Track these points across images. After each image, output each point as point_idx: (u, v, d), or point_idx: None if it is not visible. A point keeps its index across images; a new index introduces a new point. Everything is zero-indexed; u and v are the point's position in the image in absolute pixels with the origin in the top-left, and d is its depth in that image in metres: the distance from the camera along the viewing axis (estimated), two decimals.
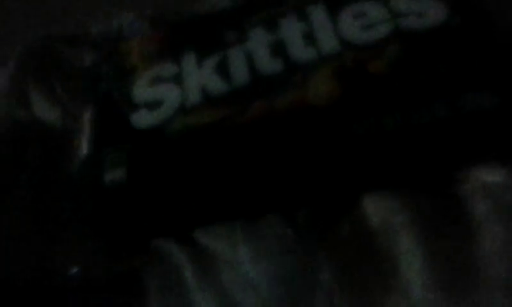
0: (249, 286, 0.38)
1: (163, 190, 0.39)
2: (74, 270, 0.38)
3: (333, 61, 0.40)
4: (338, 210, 0.39)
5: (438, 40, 0.39)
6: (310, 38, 0.41)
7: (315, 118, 0.38)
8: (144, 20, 0.51)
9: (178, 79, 0.42)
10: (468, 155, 0.38)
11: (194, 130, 0.39)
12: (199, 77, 0.42)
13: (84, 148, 0.44)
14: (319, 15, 0.42)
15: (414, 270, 0.35)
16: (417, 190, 0.38)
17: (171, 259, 0.40)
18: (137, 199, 0.40)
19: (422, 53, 0.39)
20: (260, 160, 0.38)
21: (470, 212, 0.36)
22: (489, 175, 0.37)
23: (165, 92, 0.42)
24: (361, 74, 0.38)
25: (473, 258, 0.35)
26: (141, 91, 0.43)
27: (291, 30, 0.42)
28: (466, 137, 0.37)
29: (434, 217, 0.37)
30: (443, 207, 0.37)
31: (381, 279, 0.36)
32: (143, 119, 0.41)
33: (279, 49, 0.41)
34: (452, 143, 0.37)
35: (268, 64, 0.41)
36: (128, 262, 0.40)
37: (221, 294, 0.38)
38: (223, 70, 0.41)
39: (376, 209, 0.38)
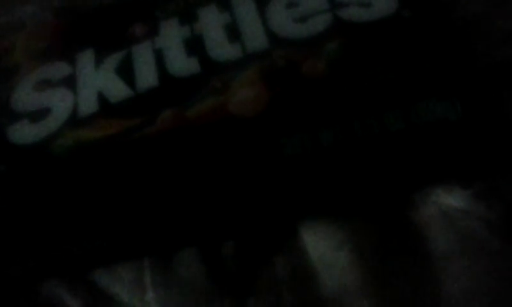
0: None
1: (46, 221, 0.31)
2: None
3: (260, 61, 0.32)
4: (271, 243, 0.32)
5: (385, 36, 0.32)
6: (233, 32, 0.34)
7: (237, 130, 0.30)
8: (49, 11, 0.43)
9: (70, 82, 0.34)
10: (424, 175, 0.31)
11: (86, 146, 0.31)
12: (97, 79, 0.34)
13: None
14: (244, 4, 0.35)
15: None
16: (365, 218, 0.32)
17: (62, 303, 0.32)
18: (14, 233, 0.31)
19: (366, 51, 0.32)
20: (171, 182, 0.31)
21: (429, 244, 0.30)
22: (450, 199, 0.31)
23: (53, 98, 0.34)
24: (294, 76, 0.31)
25: (436, 303, 0.29)
26: (24, 96, 0.34)
27: (211, 23, 0.35)
28: (421, 153, 0.31)
29: (386, 250, 0.31)
30: (397, 238, 0.31)
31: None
32: (23, 132, 0.33)
33: (195, 46, 0.34)
34: (404, 161, 0.30)
35: (182, 64, 0.33)
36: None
37: None
38: (126, 70, 0.34)
39: (316, 241, 0.32)
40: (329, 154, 0.29)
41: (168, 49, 0.34)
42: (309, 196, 0.31)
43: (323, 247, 0.32)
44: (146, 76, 0.33)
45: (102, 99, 0.33)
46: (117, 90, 0.33)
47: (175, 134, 0.31)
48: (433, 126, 0.29)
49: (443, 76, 0.30)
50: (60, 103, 0.33)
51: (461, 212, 0.31)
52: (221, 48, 0.34)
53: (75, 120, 0.33)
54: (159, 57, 0.34)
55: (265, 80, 0.31)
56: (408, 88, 0.30)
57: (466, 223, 0.30)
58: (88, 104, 0.33)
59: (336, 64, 0.32)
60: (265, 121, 0.30)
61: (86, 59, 0.35)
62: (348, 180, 0.31)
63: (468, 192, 0.31)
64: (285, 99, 0.30)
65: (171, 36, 0.35)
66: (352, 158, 0.29)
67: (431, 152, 0.30)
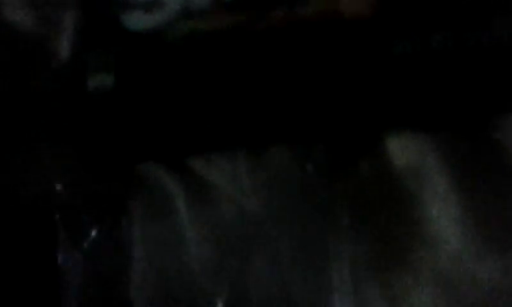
0: (249, 222, 0.33)
1: (156, 103, 0.33)
2: (57, 187, 0.32)
3: None
4: (358, 148, 0.34)
5: None
6: None
7: (346, 32, 0.32)
8: None
9: None
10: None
11: (201, 35, 0.33)
12: None
13: (63, 53, 0.38)
14: None
15: (449, 219, 0.31)
16: (453, 132, 0.33)
17: (161, 187, 0.34)
18: (125, 111, 0.33)
19: None
20: (277, 77, 0.32)
21: None
22: None
23: None
24: None
25: None
26: None
27: None
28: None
29: (472, 161, 0.32)
30: (483, 152, 0.32)
31: (407, 228, 0.32)
32: (137, 20, 0.35)
33: None
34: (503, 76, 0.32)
35: None
36: (111, 185, 0.34)
37: (216, 229, 0.33)
38: None
39: (403, 149, 0.33)
40: (436, 59, 0.31)
41: None
42: (403, 104, 0.33)
43: (409, 155, 0.33)
44: None
45: None
46: None
47: (285, 32, 0.33)
48: None
49: None
50: None
51: None
52: None
53: (188, 13, 0.34)
54: None
55: None
56: None
57: None
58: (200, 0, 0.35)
59: None
60: (376, 24, 0.32)
61: None
62: (444, 90, 0.32)
63: None
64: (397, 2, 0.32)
65: None
66: (458, 66, 0.31)
67: None
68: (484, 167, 0.32)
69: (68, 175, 0.33)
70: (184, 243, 0.33)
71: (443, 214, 0.31)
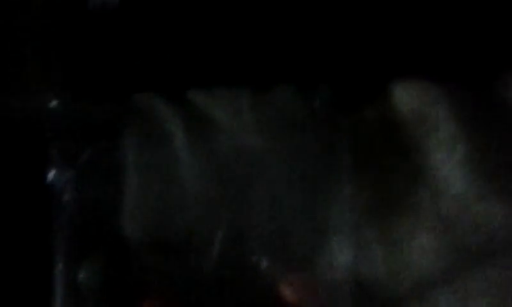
0: (250, 159, 0.32)
1: (160, 27, 0.32)
2: (53, 103, 0.30)
3: None
4: (364, 92, 0.34)
5: None
6: None
7: None
8: None
9: None
10: None
11: None
12: None
13: None
14: None
15: (453, 164, 0.30)
16: (459, 83, 0.33)
17: (159, 117, 0.33)
18: (126, 33, 0.32)
19: None
20: (284, 12, 0.32)
21: None
22: None
23: None
24: None
25: None
26: None
27: None
28: None
29: (478, 111, 0.32)
30: (490, 104, 0.33)
31: (410, 173, 0.31)
32: None
33: None
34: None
35: None
36: (107, 109, 0.32)
37: (215, 163, 0.32)
38: None
39: (409, 96, 0.33)
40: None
41: None
42: (408, 50, 0.33)
43: (415, 102, 0.33)
44: None
45: None
46: None
47: None
48: None
49: None
50: None
51: None
52: None
53: None
54: None
55: None
56: None
57: None
58: None
59: None
60: None
61: None
62: (452, 39, 0.32)
63: None
64: None
65: None
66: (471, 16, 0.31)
67: None
68: (489, 118, 0.32)
69: (63, 94, 0.32)
70: (181, 175, 0.32)
71: (447, 160, 0.31)
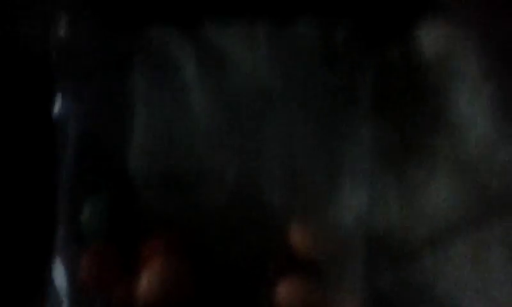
0: (264, 95, 0.30)
1: None
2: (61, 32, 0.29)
3: None
4: (389, 31, 0.32)
5: None
6: None
7: None
8: None
9: None
10: None
11: None
12: None
13: None
14: None
15: (478, 105, 0.29)
16: (484, 25, 0.31)
17: (170, 50, 0.31)
18: None
19: None
20: None
21: None
22: None
23: None
24: None
25: None
26: None
27: None
28: None
29: (505, 51, 0.31)
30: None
31: (431, 116, 0.30)
32: None
33: None
34: None
35: None
36: (118, 37, 0.31)
37: (225, 98, 0.30)
38: None
39: (434, 37, 0.31)
40: None
41: None
42: None
43: (440, 43, 0.31)
44: None
45: None
46: None
47: None
48: None
49: None
50: None
51: None
52: None
53: None
54: None
55: None
56: None
57: None
58: None
59: None
60: None
61: None
62: None
63: None
64: None
65: None
66: None
67: None
68: None
69: (72, 24, 0.30)
70: (191, 109, 0.30)
71: (471, 101, 0.29)
